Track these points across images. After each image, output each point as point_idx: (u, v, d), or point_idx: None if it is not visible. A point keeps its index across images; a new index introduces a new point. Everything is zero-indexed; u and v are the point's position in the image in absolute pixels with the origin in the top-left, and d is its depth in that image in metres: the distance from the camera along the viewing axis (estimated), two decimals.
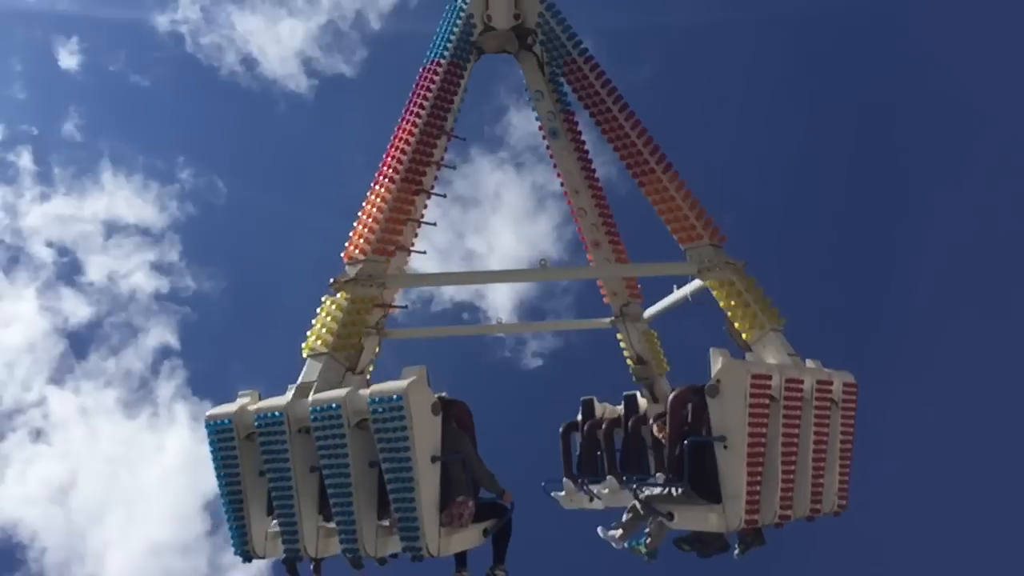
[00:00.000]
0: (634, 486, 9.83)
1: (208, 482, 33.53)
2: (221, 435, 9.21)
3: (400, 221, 10.09)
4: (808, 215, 36.84)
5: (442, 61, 11.05)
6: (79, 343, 36.93)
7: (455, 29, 11.31)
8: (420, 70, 11.20)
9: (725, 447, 8.38)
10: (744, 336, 9.68)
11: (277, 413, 8.73)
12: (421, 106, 10.72)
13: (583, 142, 12.97)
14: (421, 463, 8.03)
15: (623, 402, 13.62)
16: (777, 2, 37.67)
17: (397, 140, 10.51)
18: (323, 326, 9.26)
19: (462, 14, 11.46)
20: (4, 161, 38.48)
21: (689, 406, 8.80)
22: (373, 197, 10.12)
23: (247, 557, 9.44)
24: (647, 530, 10.03)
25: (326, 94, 40.33)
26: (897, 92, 36.13)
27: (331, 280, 9.60)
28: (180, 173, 39.50)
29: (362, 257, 9.69)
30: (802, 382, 8.96)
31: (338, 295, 9.49)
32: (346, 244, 9.96)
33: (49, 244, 37.34)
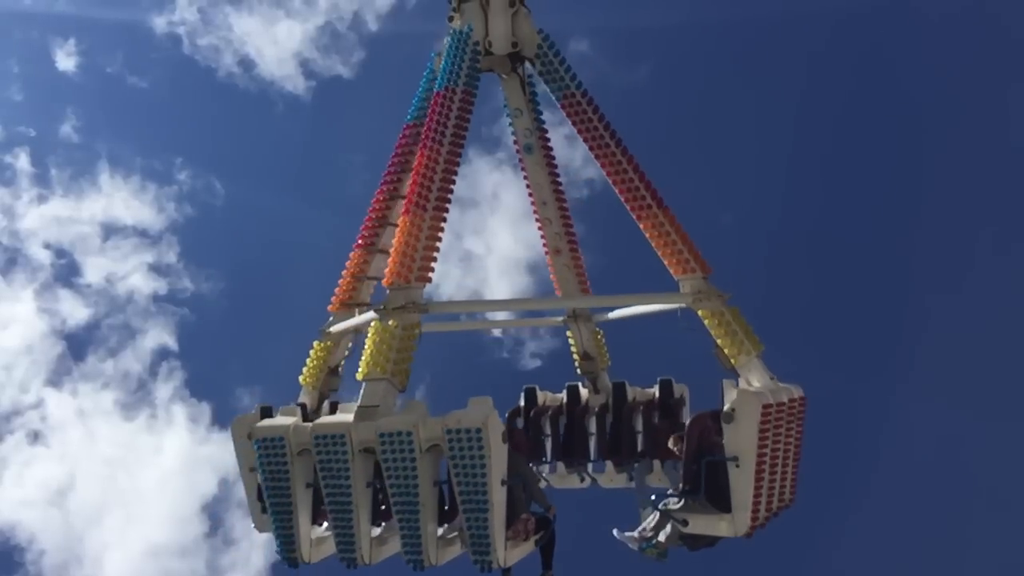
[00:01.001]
0: (653, 496, 11.24)
1: (206, 484, 35.50)
2: (272, 450, 9.80)
3: (435, 248, 10.78)
4: (807, 214, 37.87)
5: (456, 89, 11.65)
6: (77, 345, 37.35)
7: (466, 57, 11.91)
8: (435, 95, 11.76)
9: (737, 466, 9.93)
10: (732, 360, 11.19)
11: (341, 435, 9.42)
12: (441, 133, 11.31)
13: (553, 157, 13.96)
14: (494, 487, 9.04)
15: (565, 392, 14.99)
16: (777, 1, 38.43)
17: (422, 167, 11.07)
18: (379, 352, 9.90)
19: (470, 42, 12.05)
20: (1, 163, 38.73)
21: (704, 426, 10.27)
22: (409, 225, 10.69)
23: (294, 563, 10.15)
24: (654, 533, 11.43)
25: (324, 95, 40.51)
26: (895, 91, 36.76)
27: (381, 306, 10.22)
28: (178, 174, 39.88)
29: (405, 284, 10.35)
30: (785, 403, 10.62)
31: (389, 321, 10.12)
32: (387, 271, 10.55)
33: (47, 246, 37.82)
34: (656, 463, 13.82)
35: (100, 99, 42.26)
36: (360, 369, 9.89)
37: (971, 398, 31.43)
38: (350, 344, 13.39)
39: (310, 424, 9.85)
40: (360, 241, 13.24)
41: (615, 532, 11.58)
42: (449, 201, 11.14)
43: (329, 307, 13.36)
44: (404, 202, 11.04)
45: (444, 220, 10.99)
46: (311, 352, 13.23)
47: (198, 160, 39.91)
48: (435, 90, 11.84)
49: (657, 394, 14.24)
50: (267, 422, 10.09)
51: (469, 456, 8.98)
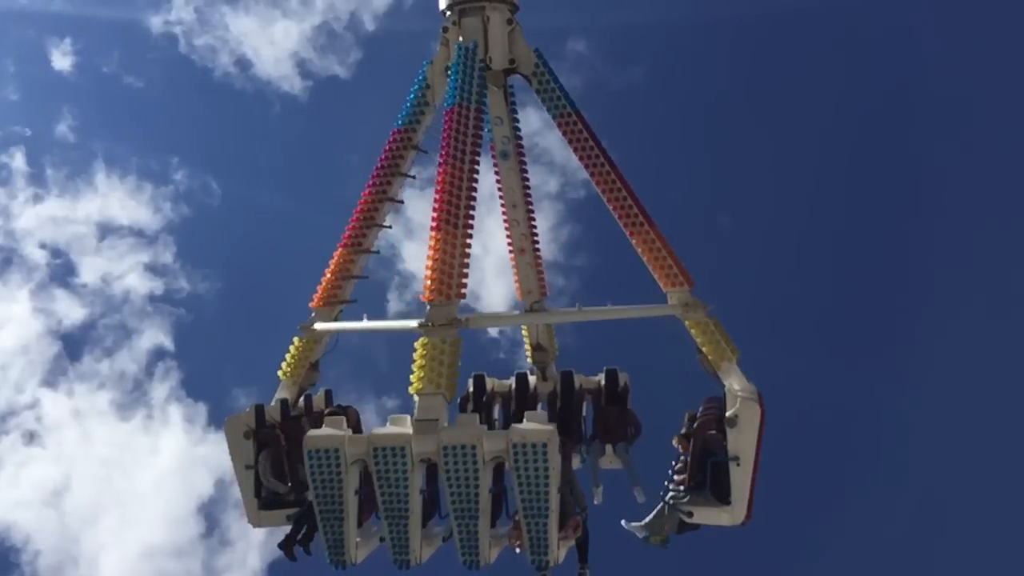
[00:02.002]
0: (661, 492, 12.44)
1: (202, 484, 35.25)
2: (326, 460, 10.26)
3: (466, 264, 11.37)
4: (807, 213, 38.13)
5: (471, 107, 12.15)
6: (73, 345, 37.57)
7: (476, 75, 12.39)
8: (447, 111, 12.19)
9: (738, 464, 11.36)
10: (715, 366, 12.55)
11: (402, 447, 10.03)
12: (462, 151, 11.80)
13: (525, 163, 14.72)
14: (553, 494, 9.98)
15: (514, 379, 16.01)
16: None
17: (448, 185, 11.53)
18: (432, 368, 10.46)
19: (477, 59, 12.52)
20: None
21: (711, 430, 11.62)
22: (442, 243, 11.17)
23: (343, 565, 10.74)
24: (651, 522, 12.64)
25: (320, 95, 40.89)
26: (894, 91, 37.39)
27: (427, 323, 10.75)
28: (174, 174, 39.98)
29: (447, 302, 10.92)
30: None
31: (438, 338, 10.69)
32: (426, 287, 11.02)
33: (42, 246, 37.98)
34: (608, 447, 15.19)
35: (96, 99, 42.19)
36: (413, 384, 10.42)
37: (971, 397, 32.79)
38: (336, 341, 13.81)
39: (365, 436, 10.35)
40: (346, 241, 13.54)
41: (623, 523, 12.77)
42: (473, 217, 11.71)
43: (311, 304, 13.65)
44: (433, 219, 11.46)
45: (471, 236, 11.58)
46: (292, 348, 13.50)
47: (194, 160, 40.19)
48: (447, 106, 12.24)
49: (603, 382, 15.53)
50: (319, 433, 10.47)
51: (534, 468, 9.84)
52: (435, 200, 11.57)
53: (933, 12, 37.22)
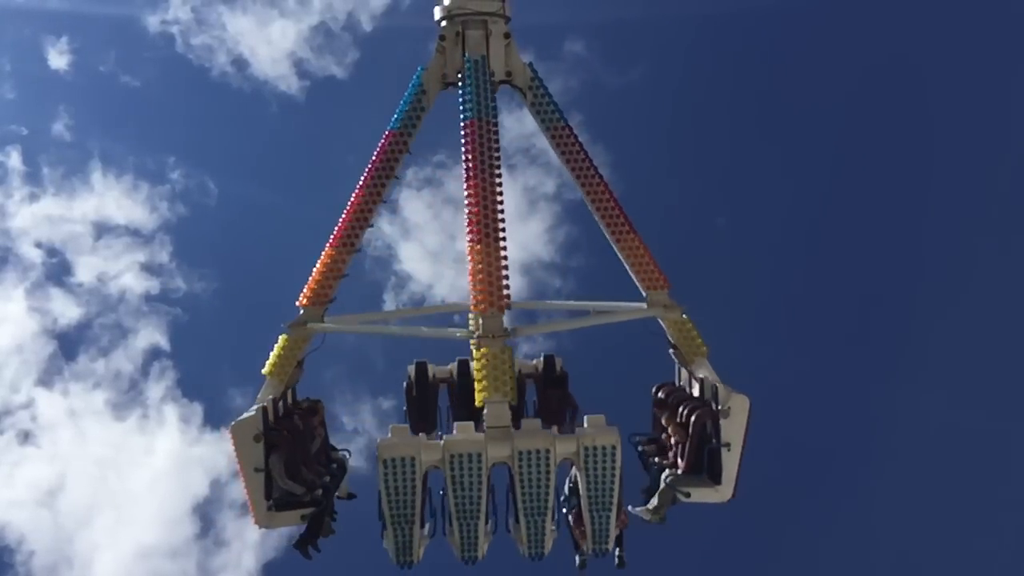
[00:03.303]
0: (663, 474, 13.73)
1: (198, 485, 34.86)
2: (402, 468, 10.77)
3: (507, 274, 12.03)
4: (806, 212, 38.16)
5: (489, 121, 12.71)
6: (68, 344, 37.25)
7: (489, 89, 12.92)
8: (466, 125, 12.66)
9: (729, 450, 13.00)
10: (688, 360, 14.08)
11: (478, 453, 10.75)
12: (489, 164, 12.41)
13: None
14: (618, 491, 11.15)
15: (456, 365, 16.80)
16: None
17: (481, 198, 12.09)
18: (497, 377, 11.16)
19: (487, 72, 13.04)
20: None
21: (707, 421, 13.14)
22: (486, 255, 11.77)
23: (409, 566, 11.29)
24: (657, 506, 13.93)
25: (318, 95, 40.54)
26: (893, 90, 37.62)
27: (486, 334, 11.37)
28: (171, 174, 39.66)
29: (498, 313, 11.58)
30: None
31: (498, 348, 11.36)
32: (477, 299, 11.59)
33: (38, 245, 37.64)
34: (554, 428, 16.43)
35: (93, 97, 41.83)
36: (481, 393, 11.09)
37: (972, 395, 34.14)
38: (322, 339, 13.92)
39: (439, 443, 10.90)
40: (337, 240, 13.64)
41: (629, 508, 14.01)
42: (504, 229, 12.36)
43: (299, 302, 13.70)
44: (473, 232, 11.99)
45: (506, 247, 12.24)
46: (281, 346, 13.51)
47: (191, 159, 39.95)
48: (465, 119, 12.75)
49: (541, 367, 16.72)
50: (394, 442, 10.92)
51: (603, 468, 10.98)
52: (471, 214, 12.14)
53: (933, 12, 38.17)
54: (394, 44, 40.67)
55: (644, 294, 14.16)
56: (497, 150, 12.71)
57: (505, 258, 12.07)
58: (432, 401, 16.50)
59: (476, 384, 11.33)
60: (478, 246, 11.89)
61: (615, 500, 11.24)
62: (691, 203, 40.41)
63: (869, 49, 38.78)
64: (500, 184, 12.46)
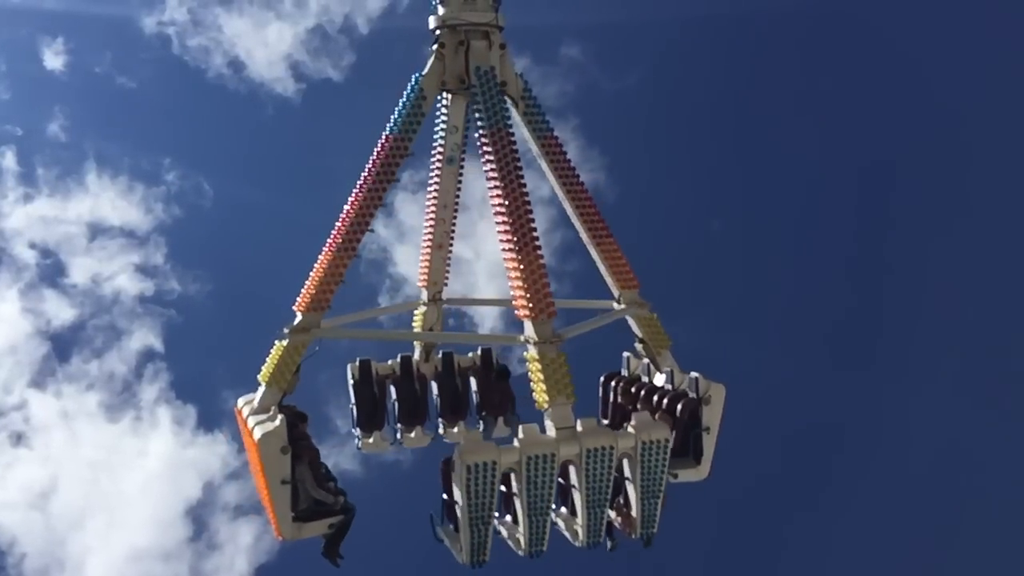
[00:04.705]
0: None
1: (191, 487, 33.11)
2: (484, 472, 11.26)
3: (548, 281, 12.60)
4: (804, 211, 37.42)
5: (506, 131, 13.18)
6: (62, 346, 35.75)
7: (502, 99, 13.36)
8: (488, 135, 13.05)
9: (707, 433, 14.53)
10: (655, 353, 15.40)
11: (552, 454, 11.47)
12: (516, 175, 12.90)
13: (462, 171, 15.69)
14: (666, 479, 12.29)
15: (400, 361, 17.13)
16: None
17: (516, 209, 12.57)
18: (559, 381, 11.82)
19: (497, 83, 13.45)
20: None
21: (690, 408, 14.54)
22: (532, 264, 12.29)
23: (481, 565, 11.77)
24: None
25: (313, 98, 39.90)
26: (893, 89, 36.74)
27: (543, 340, 11.95)
28: (166, 175, 38.36)
29: (547, 319, 12.19)
30: None
31: (552, 352, 11.99)
32: (529, 308, 12.08)
33: (32, 245, 36.02)
34: (500, 419, 17.20)
35: (88, 98, 41.28)
36: (543, 397, 11.72)
37: (971, 393, 34.92)
38: (317, 346, 13.74)
39: (516, 447, 11.41)
40: (336, 245, 13.52)
41: None
42: (538, 236, 12.90)
43: (297, 307, 13.51)
44: (512, 243, 12.42)
45: (543, 255, 12.80)
46: (281, 353, 13.30)
47: (186, 161, 39.70)
48: (482, 128, 13.12)
49: (479, 361, 17.43)
50: (475, 447, 11.27)
51: (655, 459, 12.10)
52: (509, 225, 12.62)
53: (933, 13, 38.48)
54: (390, 47, 41.31)
55: (617, 294, 15.30)
56: (518, 158, 13.20)
57: (544, 264, 12.66)
58: (380, 399, 16.71)
59: (535, 387, 11.92)
60: (520, 256, 12.39)
61: (663, 488, 12.37)
62: (686, 206, 40.88)
63: (864, 54, 39.43)
64: (527, 192, 12.99)
